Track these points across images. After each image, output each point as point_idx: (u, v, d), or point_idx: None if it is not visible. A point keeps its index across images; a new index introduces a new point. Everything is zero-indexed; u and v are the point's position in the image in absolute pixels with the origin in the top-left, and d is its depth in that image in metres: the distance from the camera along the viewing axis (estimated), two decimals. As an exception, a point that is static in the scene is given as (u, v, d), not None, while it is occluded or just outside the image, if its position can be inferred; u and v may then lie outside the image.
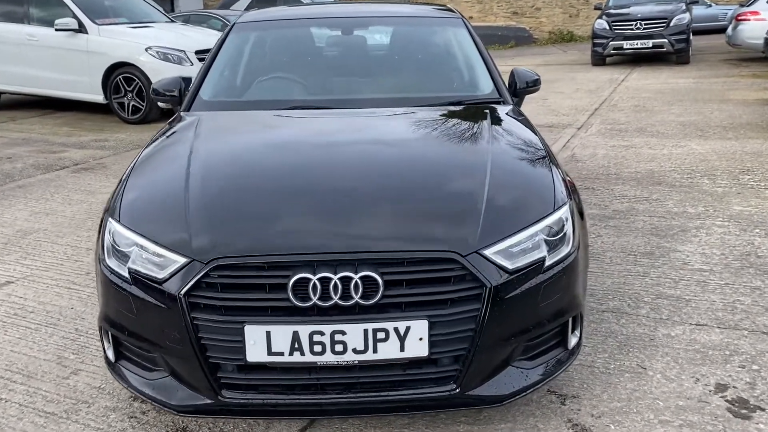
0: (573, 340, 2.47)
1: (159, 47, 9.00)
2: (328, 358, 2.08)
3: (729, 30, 13.82)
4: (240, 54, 3.73)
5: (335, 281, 2.06)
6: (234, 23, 3.88)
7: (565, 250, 2.37)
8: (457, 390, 2.16)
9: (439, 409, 2.24)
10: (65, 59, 9.25)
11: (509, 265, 2.20)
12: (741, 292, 3.52)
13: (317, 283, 2.05)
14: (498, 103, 3.34)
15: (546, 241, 2.32)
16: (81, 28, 9.11)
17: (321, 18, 4.20)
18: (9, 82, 9.83)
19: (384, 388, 2.15)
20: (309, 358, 2.07)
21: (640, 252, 4.13)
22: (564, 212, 2.43)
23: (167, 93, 3.52)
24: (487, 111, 3.19)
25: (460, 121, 3.12)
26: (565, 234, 2.40)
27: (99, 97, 9.26)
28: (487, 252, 2.18)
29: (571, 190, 2.76)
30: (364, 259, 2.11)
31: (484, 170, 2.51)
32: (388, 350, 2.08)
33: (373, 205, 2.35)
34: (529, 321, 2.25)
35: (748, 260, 3.92)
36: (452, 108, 3.26)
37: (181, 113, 3.31)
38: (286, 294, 2.06)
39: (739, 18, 13.26)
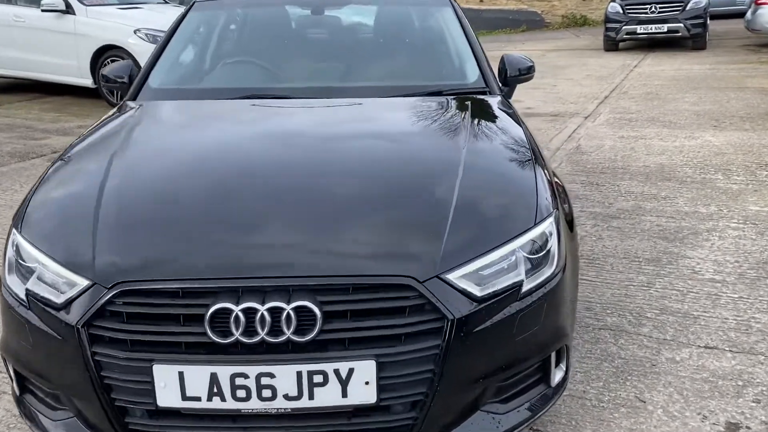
0: (558, 375, 2.09)
1: (148, 29, 8.62)
2: (254, 405, 1.71)
3: (748, 14, 13.23)
4: (198, 35, 3.35)
5: (262, 313, 1.69)
6: (194, 1, 3.50)
7: (548, 272, 1.99)
8: None
9: None
10: (52, 41, 8.90)
11: (478, 292, 1.83)
12: (757, 308, 3.13)
13: (240, 314, 1.69)
14: (483, 93, 2.94)
15: (525, 261, 1.94)
16: (68, 9, 8.74)
17: None
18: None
19: None
20: (231, 404, 1.71)
21: (645, 258, 3.74)
22: (548, 225, 2.05)
23: (118, 80, 3.14)
24: (469, 103, 2.79)
25: (435, 114, 2.73)
26: (548, 251, 2.02)
27: (87, 81, 8.89)
28: (451, 276, 1.81)
29: (560, 196, 2.38)
30: (298, 285, 1.74)
31: (454, 174, 2.13)
32: (328, 396, 1.71)
33: (315, 218, 1.95)
34: (502, 359, 1.88)
35: (765, 269, 3.52)
36: (429, 99, 2.87)
37: (127, 102, 2.94)
38: (203, 327, 1.70)
39: (759, 2, 12.68)
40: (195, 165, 2.29)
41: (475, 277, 1.84)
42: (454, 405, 1.82)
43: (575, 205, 4.58)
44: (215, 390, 1.69)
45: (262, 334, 1.69)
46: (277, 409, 1.71)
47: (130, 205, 2.02)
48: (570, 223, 2.33)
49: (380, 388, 1.72)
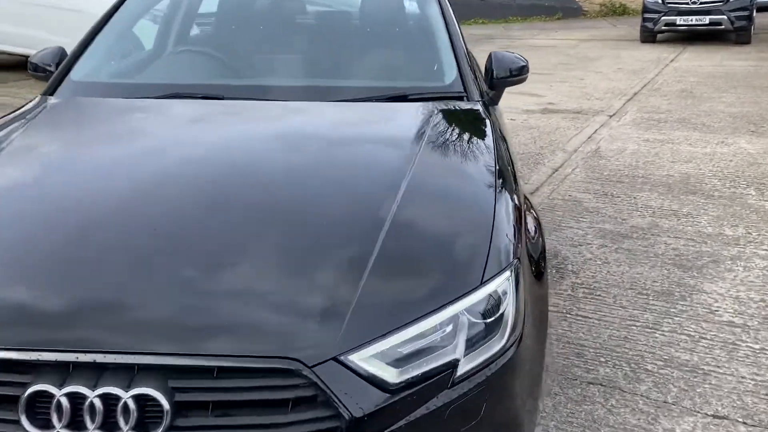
0: None
1: (158, 10, 8.25)
2: None
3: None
4: (137, 20, 2.91)
5: (91, 400, 1.27)
6: None
7: (496, 345, 1.52)
8: None
9: None
10: (58, 19, 8.60)
11: (393, 378, 1.38)
12: (782, 364, 2.62)
13: (64, 400, 1.27)
14: (459, 98, 2.46)
15: (465, 331, 1.48)
16: (69, -17, 8.45)
17: None
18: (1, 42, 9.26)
19: None
20: None
21: (654, 290, 3.23)
22: (502, 282, 1.58)
23: (46, 69, 2.72)
24: (436, 111, 2.31)
25: (388, 126, 2.25)
26: (500, 317, 1.55)
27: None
28: (356, 357, 1.36)
29: (531, 234, 1.90)
30: (145, 364, 1.31)
31: (384, 214, 1.67)
32: None
33: (181, 275, 1.50)
34: None
35: (795, 312, 3.00)
36: (388, 105, 2.39)
37: (40, 96, 2.51)
38: (16, 413, 1.29)
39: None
40: (56, 199, 1.80)
41: (391, 356, 1.39)
42: None
43: (583, 220, 4.09)
44: None
45: (91, 428, 1.27)
46: None
47: None
48: (538, 274, 1.85)
49: None
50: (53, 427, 1.27)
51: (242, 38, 2.84)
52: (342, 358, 1.34)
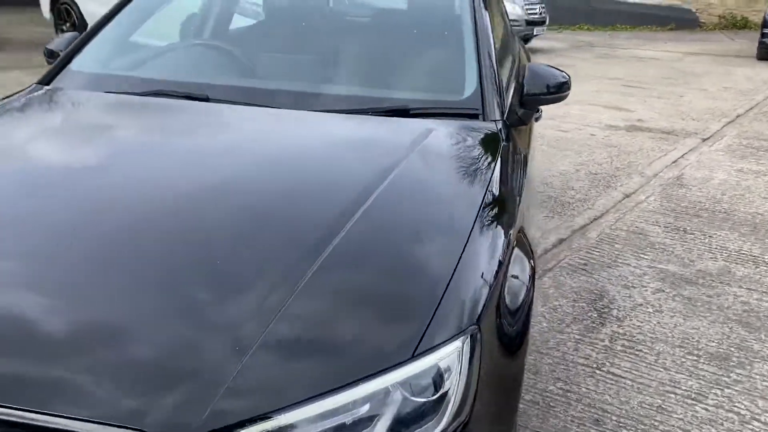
0: None
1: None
2: None
3: None
4: (157, 7, 2.73)
5: None
6: None
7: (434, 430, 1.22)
8: None
9: None
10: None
11: None
12: None
13: None
14: (472, 116, 2.14)
15: (390, 413, 1.19)
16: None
17: None
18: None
19: None
20: None
21: (708, 352, 2.78)
22: (446, 355, 1.26)
23: (60, 54, 2.60)
24: (434, 129, 1.98)
25: (367, 144, 1.94)
26: (442, 398, 1.25)
27: (46, 13, 9.66)
28: None
29: (512, 291, 1.56)
30: None
31: (315, 253, 1.38)
32: None
33: (37, 338, 1.21)
34: None
35: None
36: (379, 119, 2.06)
37: (33, 85, 2.38)
38: None
39: None
40: None
41: None
42: None
43: (644, 257, 3.64)
44: None
45: None
46: None
47: None
48: (517, 338, 1.51)
49: None
50: None
51: (250, 36, 2.62)
52: None
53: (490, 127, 2.07)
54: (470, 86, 2.18)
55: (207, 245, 1.44)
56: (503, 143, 2.00)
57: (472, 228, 1.55)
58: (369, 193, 1.58)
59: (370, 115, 2.06)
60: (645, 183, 5.05)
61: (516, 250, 1.67)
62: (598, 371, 2.62)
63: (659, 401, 2.45)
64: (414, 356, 1.22)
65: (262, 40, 2.62)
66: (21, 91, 2.36)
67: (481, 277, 1.45)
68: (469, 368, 1.29)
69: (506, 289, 1.53)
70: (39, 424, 1.08)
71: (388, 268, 1.42)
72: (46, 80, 2.39)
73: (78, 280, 1.33)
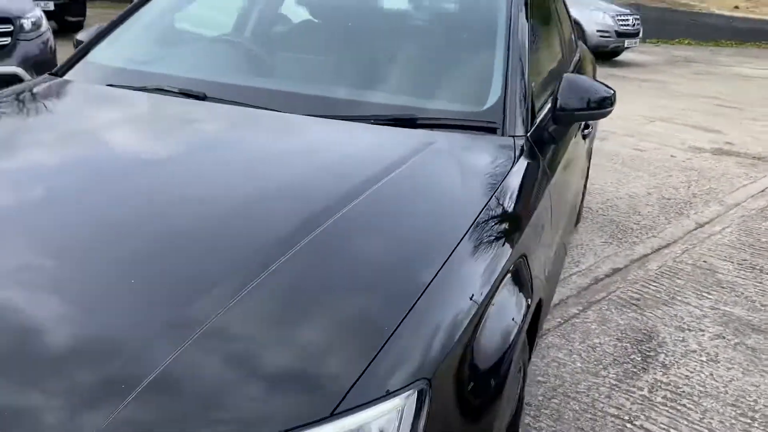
0: None
1: None
2: None
3: None
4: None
5: None
6: None
7: None
8: None
9: None
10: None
11: None
12: None
13: None
14: (491, 129, 1.87)
15: None
16: None
17: None
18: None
19: None
20: None
21: (766, 416, 2.41)
22: (379, 415, 1.04)
23: None
24: (435, 142, 1.75)
25: (350, 156, 1.72)
26: None
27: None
28: None
29: (492, 336, 1.32)
30: None
31: (241, 283, 1.18)
32: None
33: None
34: None
35: None
36: (378, 128, 1.86)
37: (46, 75, 2.29)
38: None
39: None
40: None
41: None
42: None
43: (707, 297, 3.28)
44: None
45: None
46: None
47: None
48: (484, 398, 1.26)
49: None
50: None
51: (268, 35, 2.46)
52: None
53: (507, 142, 1.82)
54: (493, 97, 1.93)
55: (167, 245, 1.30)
56: (519, 161, 1.75)
57: (450, 255, 1.32)
58: (332, 213, 1.38)
59: (372, 123, 1.85)
60: (723, 213, 4.60)
61: (508, 284, 1.43)
62: (628, 425, 2.31)
63: (696, 469, 2.12)
64: (333, 414, 1.01)
65: (279, 39, 2.46)
66: (32, 80, 2.30)
67: (449, 314, 1.22)
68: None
69: (483, 332, 1.29)
70: None
71: (331, 300, 1.21)
72: (61, 71, 2.31)
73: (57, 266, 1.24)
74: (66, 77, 2.26)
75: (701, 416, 2.39)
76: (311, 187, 1.54)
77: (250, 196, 1.49)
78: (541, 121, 2.04)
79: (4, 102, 2.07)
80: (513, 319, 1.41)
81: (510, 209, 1.59)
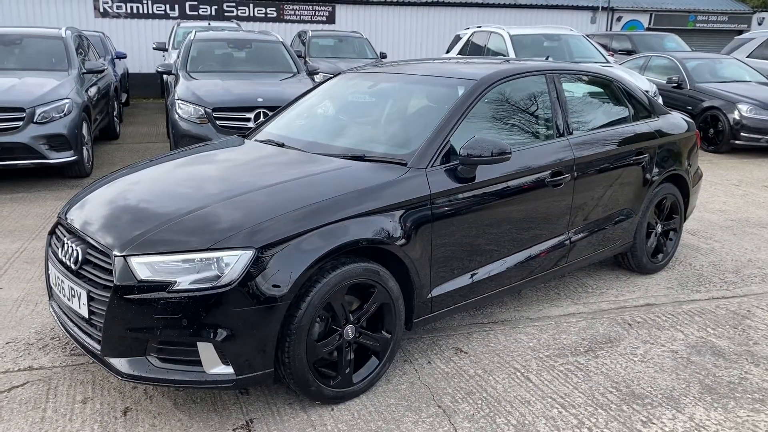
0: (217, 368, 2.51)
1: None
2: None
3: None
4: (321, 97, 4.15)
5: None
6: (340, 73, 4.37)
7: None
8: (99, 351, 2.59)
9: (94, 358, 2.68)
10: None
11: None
12: None
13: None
14: (399, 163, 3.04)
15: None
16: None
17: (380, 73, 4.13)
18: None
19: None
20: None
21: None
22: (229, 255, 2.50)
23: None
24: (341, 167, 3.06)
25: (277, 168, 3.19)
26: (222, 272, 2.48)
27: None
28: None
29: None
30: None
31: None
32: (76, 302, 2.69)
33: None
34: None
35: None
36: (334, 161, 3.15)
37: (236, 137, 4.01)
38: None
39: None
40: (142, 184, 3.16)
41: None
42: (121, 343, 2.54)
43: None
44: None
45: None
46: None
47: None
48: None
49: (90, 311, 2.62)
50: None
51: (341, 112, 3.98)
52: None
53: (402, 170, 2.97)
54: (417, 143, 3.11)
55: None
56: (397, 179, 2.91)
57: (320, 201, 2.71)
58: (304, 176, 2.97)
59: (333, 157, 3.20)
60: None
61: (326, 231, 2.72)
62: None
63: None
64: (209, 248, 2.49)
65: (353, 114, 3.93)
66: (226, 138, 4.19)
67: (296, 228, 2.61)
68: (243, 268, 2.46)
69: (303, 246, 2.63)
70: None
71: (272, 203, 2.70)
72: (248, 135, 3.97)
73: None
74: (245, 138, 3.89)
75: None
76: (308, 173, 3.03)
77: (284, 179, 2.98)
78: (433, 159, 3.05)
79: (207, 144, 3.93)
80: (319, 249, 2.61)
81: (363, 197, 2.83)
